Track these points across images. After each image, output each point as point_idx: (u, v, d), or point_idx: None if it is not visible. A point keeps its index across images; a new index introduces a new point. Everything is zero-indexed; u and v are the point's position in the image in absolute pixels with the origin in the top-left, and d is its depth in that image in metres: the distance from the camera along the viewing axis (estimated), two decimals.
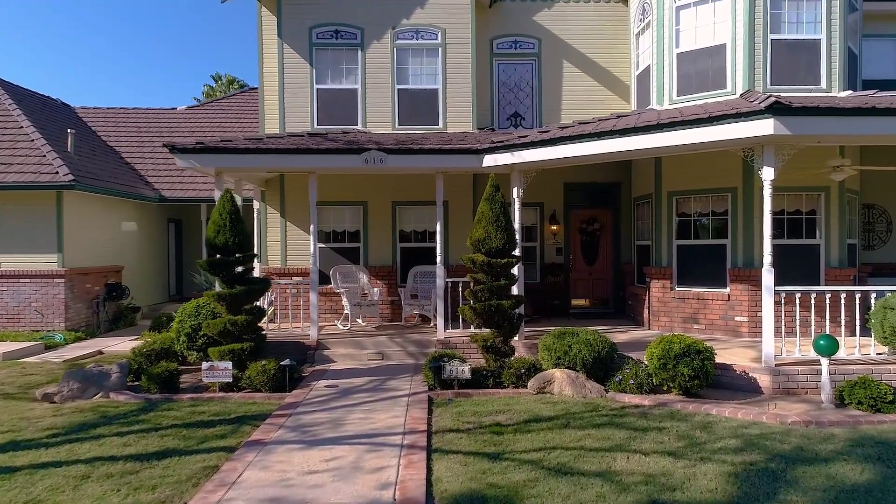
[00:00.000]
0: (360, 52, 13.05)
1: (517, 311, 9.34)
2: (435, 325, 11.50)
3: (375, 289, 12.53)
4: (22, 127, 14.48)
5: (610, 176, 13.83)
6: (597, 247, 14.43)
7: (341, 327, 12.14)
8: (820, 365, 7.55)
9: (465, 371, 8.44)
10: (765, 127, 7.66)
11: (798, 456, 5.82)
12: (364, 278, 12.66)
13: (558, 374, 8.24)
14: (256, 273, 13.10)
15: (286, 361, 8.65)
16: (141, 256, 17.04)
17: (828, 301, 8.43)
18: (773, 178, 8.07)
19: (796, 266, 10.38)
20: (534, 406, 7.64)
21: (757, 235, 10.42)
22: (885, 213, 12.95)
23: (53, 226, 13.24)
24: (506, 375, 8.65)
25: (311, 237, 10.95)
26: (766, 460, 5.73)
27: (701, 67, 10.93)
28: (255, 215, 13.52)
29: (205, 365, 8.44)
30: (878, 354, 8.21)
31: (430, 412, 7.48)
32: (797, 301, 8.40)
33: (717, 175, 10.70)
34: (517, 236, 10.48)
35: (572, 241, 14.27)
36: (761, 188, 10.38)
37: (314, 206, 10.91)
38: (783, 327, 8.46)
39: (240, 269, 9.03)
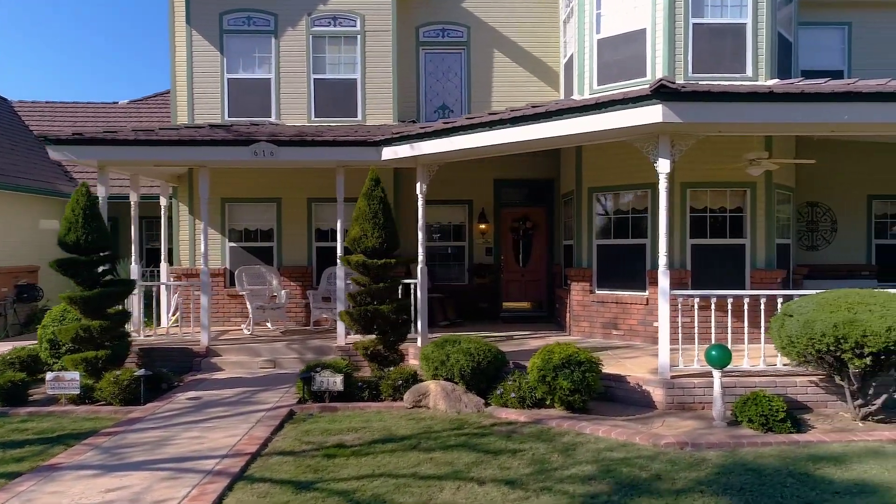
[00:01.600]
0: (273, 39, 12.29)
1: (404, 316, 8.58)
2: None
3: (283, 291, 11.77)
4: None
5: (543, 172, 13.09)
6: (530, 247, 13.67)
7: (246, 332, 11.39)
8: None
9: (336, 382, 7.69)
10: (653, 114, 6.89)
11: (650, 486, 5.08)
12: (275, 280, 11.90)
13: (433, 387, 7.49)
14: (164, 274, 12.41)
15: (141, 371, 7.89)
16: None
17: (730, 306, 7.67)
18: (668, 170, 7.34)
19: (720, 267, 9.70)
20: (395, 423, 6.90)
21: (678, 235, 9.76)
22: (829, 211, 12.17)
23: None
24: (384, 387, 7.90)
25: (202, 235, 10.23)
26: (613, 491, 4.99)
27: (621, 54, 10.18)
28: (163, 213, 12.76)
29: (49, 376, 7.69)
30: (784, 365, 7.47)
31: (279, 429, 6.74)
32: (695, 306, 7.72)
33: (636, 170, 9.90)
34: (420, 235, 9.84)
35: (503, 240, 13.52)
36: (681, 184, 9.84)
37: (205, 203, 10.21)
38: (680, 335, 7.73)
39: (99, 269, 8.28)
